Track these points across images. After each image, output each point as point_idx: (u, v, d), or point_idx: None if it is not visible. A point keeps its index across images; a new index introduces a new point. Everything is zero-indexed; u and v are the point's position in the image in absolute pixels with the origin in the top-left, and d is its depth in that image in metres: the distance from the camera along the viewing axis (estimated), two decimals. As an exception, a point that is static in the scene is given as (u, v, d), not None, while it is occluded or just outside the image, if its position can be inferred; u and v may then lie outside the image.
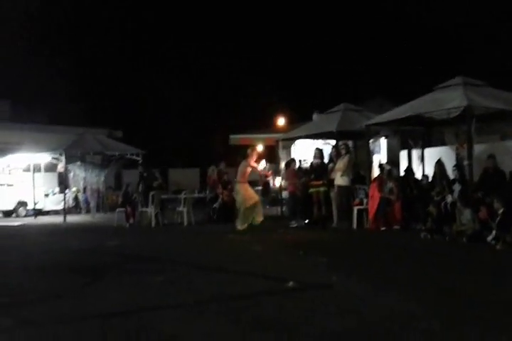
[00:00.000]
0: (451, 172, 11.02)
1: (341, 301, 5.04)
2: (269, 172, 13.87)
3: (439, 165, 11.73)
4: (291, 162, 13.70)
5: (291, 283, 5.71)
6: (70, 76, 29.69)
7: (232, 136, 24.24)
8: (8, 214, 18.78)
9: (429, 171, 12.45)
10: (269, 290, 5.65)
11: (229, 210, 14.07)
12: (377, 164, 12.96)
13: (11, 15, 26.55)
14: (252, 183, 21.87)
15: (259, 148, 26.63)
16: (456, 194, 9.96)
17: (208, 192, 15.30)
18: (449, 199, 9.95)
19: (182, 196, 13.98)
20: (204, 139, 34.15)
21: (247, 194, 11.72)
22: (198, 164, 28.17)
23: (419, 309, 4.66)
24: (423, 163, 13.09)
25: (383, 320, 4.32)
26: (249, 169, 11.82)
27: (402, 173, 12.98)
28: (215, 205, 14.53)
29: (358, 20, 36.39)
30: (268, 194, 20.23)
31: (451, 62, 26.79)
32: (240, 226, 11.55)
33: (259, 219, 11.68)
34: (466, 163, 10.02)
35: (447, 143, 12.52)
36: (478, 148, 10.89)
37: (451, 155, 12.27)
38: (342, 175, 11.88)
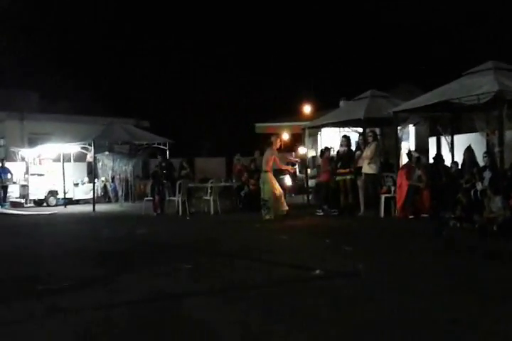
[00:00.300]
0: (481, 160, 10.81)
1: (368, 290, 5.02)
2: (296, 160, 13.79)
3: (469, 152, 11.53)
4: (325, 150, 13.56)
5: (317, 272, 5.71)
6: (98, 66, 29.97)
7: (257, 125, 24.21)
8: (39, 203, 19.17)
9: (459, 158, 12.24)
10: (295, 278, 5.66)
11: (255, 199, 14.10)
12: (406, 151, 12.78)
13: (35, 6, 26.87)
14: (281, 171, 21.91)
15: (284, 136, 26.56)
16: (486, 181, 9.77)
17: (233, 180, 15.39)
18: (479, 186, 9.77)
19: (208, 185, 14.04)
20: (230, 128, 34.18)
21: (274, 183, 11.65)
22: (224, 153, 28.25)
23: (447, 298, 4.60)
24: (452, 150, 12.86)
25: (410, 309, 4.29)
26: (273, 157, 11.71)
27: (431, 160, 12.80)
28: (241, 193, 14.58)
29: (385, 7, 35.78)
30: (295, 181, 20.15)
31: (481, 47, 26.16)
32: (268, 215, 11.51)
33: (285, 208, 11.65)
34: (497, 149, 9.81)
35: (477, 129, 12.26)
36: (509, 135, 10.65)
37: (481, 141, 12.03)
38: (369, 163, 11.76)
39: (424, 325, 3.89)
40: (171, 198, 14.08)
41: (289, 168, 13.85)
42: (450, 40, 30.51)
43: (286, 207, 11.72)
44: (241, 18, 37.60)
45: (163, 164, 14.96)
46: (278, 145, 12.05)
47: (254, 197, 14.09)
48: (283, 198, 11.88)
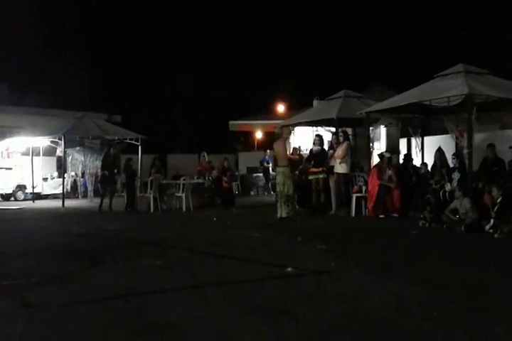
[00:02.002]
0: (450, 161, 11.03)
1: (339, 287, 5.08)
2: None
3: (440, 153, 11.73)
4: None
5: (289, 269, 5.75)
6: (70, 60, 29.45)
7: (231, 122, 24.16)
8: (6, 197, 18.78)
9: (428, 160, 12.46)
10: (267, 275, 5.68)
11: (229, 196, 14.28)
12: (377, 152, 12.93)
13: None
14: (254, 170, 21.84)
15: (258, 134, 26.60)
16: (455, 183, 9.98)
17: (196, 177, 15.39)
18: (448, 187, 9.98)
19: (181, 181, 13.99)
20: (204, 125, 34.07)
21: (292, 178, 11.16)
22: (197, 150, 28.15)
23: (417, 295, 4.70)
24: (422, 151, 13.09)
25: (380, 306, 4.36)
26: (286, 151, 11.27)
27: (401, 161, 13.00)
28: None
29: (359, 8, 36.09)
30: (269, 180, 20.30)
31: (452, 50, 26.66)
32: (291, 212, 10.95)
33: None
34: (465, 151, 10.02)
35: (448, 131, 12.50)
36: (478, 137, 10.88)
37: (451, 143, 12.26)
38: (341, 163, 11.89)
39: (395, 321, 3.95)
40: (143, 194, 13.98)
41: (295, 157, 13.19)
42: (422, 42, 30.99)
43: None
44: (216, 15, 37.50)
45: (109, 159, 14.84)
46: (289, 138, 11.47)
47: (227, 194, 14.22)
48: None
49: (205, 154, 16.74)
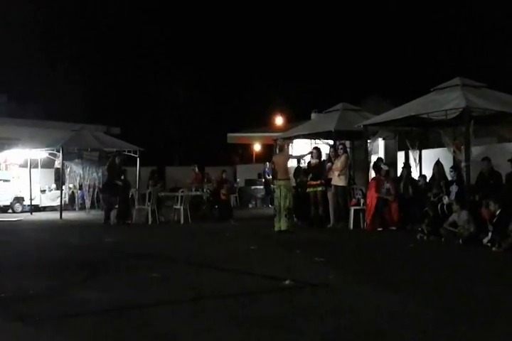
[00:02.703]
0: (448, 174, 11.06)
1: (337, 300, 5.07)
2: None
3: (438, 166, 11.77)
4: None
5: (288, 282, 5.73)
6: (68, 71, 29.60)
7: (229, 135, 24.24)
8: (4, 209, 18.73)
9: (426, 173, 12.49)
10: (266, 288, 5.67)
11: (226, 209, 14.27)
12: (373, 165, 12.93)
13: (9, 8, 26.48)
14: (252, 182, 21.79)
15: (256, 146, 26.68)
16: (452, 195, 10.00)
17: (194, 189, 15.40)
18: (446, 200, 9.99)
19: (179, 194, 13.99)
20: (202, 137, 34.14)
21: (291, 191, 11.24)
22: (195, 162, 28.19)
23: (415, 308, 4.69)
24: (420, 164, 13.12)
25: (379, 319, 4.34)
26: (288, 162, 11.31)
27: (399, 173, 13.02)
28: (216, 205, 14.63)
29: (356, 19, 36.42)
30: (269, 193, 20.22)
31: (450, 63, 26.85)
32: (290, 225, 10.98)
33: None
34: (463, 164, 10.06)
35: (444, 144, 12.56)
36: (475, 151, 10.92)
37: (449, 156, 12.30)
38: (339, 175, 11.91)
39: (393, 334, 3.94)
40: (140, 207, 13.96)
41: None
42: (419, 55, 31.24)
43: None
44: (213, 28, 37.80)
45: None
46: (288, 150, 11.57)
47: (225, 206, 14.22)
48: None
49: (196, 167, 16.76)
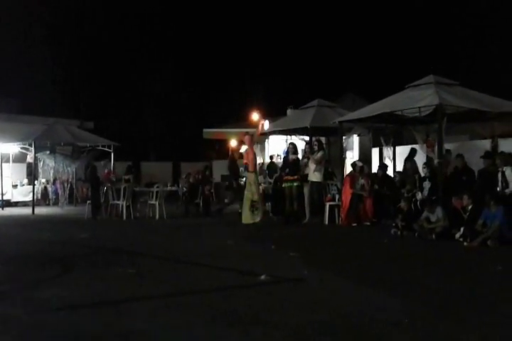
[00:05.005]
0: (421, 170, 11.21)
1: (313, 294, 5.11)
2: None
3: (411, 162, 11.92)
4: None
5: (263, 277, 5.75)
6: (41, 64, 29.06)
7: (205, 130, 24.17)
8: (-26, 205, 18.36)
9: (400, 169, 12.65)
10: (241, 283, 5.68)
11: (207, 205, 14.32)
12: (350, 162, 13.07)
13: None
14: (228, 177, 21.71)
15: (232, 142, 26.62)
16: (425, 191, 10.15)
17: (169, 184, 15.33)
18: (419, 196, 10.14)
19: (154, 189, 13.90)
20: (178, 133, 33.93)
21: (257, 185, 11.17)
22: (170, 158, 28.07)
23: (389, 302, 4.76)
24: (394, 160, 13.28)
25: (353, 313, 4.40)
26: (252, 155, 11.24)
27: (373, 170, 13.15)
28: (197, 201, 14.56)
29: (332, 16, 36.55)
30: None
31: (423, 61, 27.16)
32: (258, 218, 10.89)
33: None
34: (436, 161, 10.21)
35: (417, 141, 12.73)
36: (447, 148, 11.11)
37: (422, 153, 12.47)
38: (315, 171, 11.97)
39: (366, 328, 3.99)
40: (115, 202, 13.83)
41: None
42: (394, 53, 31.51)
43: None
44: (190, 22, 37.54)
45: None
46: (254, 143, 11.46)
47: (208, 202, 14.19)
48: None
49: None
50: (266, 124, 11.24)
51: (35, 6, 30.00)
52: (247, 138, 11.65)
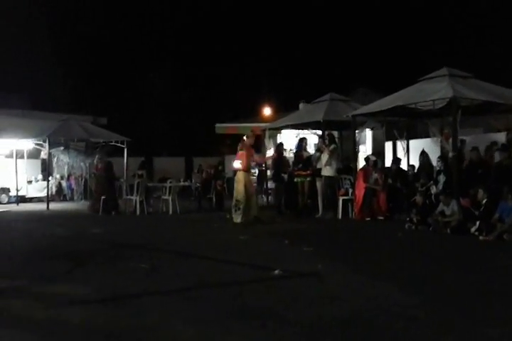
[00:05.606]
0: (435, 164, 11.11)
1: (326, 289, 5.08)
2: (263, 159, 13.64)
3: (424, 156, 11.81)
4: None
5: (277, 272, 5.74)
6: (55, 61, 29.19)
7: (218, 125, 24.11)
8: (-11, 200, 18.54)
9: (414, 163, 12.55)
10: (255, 278, 5.67)
11: (221, 199, 14.33)
12: (364, 156, 12.99)
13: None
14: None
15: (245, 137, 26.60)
16: (440, 185, 10.06)
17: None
18: (434, 190, 10.05)
19: (167, 184, 13.94)
20: (190, 128, 33.95)
21: (247, 182, 10.98)
22: (183, 153, 28.12)
23: (403, 297, 4.72)
24: (408, 154, 13.18)
25: (368, 307, 4.36)
26: (245, 154, 10.98)
27: (387, 164, 13.06)
28: (210, 196, 14.60)
29: (344, 10, 36.27)
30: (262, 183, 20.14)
31: (437, 53, 26.87)
32: (239, 218, 10.78)
33: (254, 213, 10.98)
34: (451, 154, 10.10)
35: (431, 135, 12.62)
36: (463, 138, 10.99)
37: (436, 146, 12.36)
38: (327, 165, 11.92)
39: (381, 322, 3.96)
40: (128, 197, 13.89)
41: (263, 158, 13.36)
42: (407, 46, 31.22)
43: (256, 212, 11.02)
44: (200, 17, 37.48)
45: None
46: (251, 142, 11.19)
47: (220, 197, 14.40)
48: (254, 201, 11.16)
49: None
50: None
51: (44, 4, 30.14)
52: (250, 134, 11.51)
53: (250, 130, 11.63)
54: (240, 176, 10.95)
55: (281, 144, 13.59)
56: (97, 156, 15.62)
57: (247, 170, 11.07)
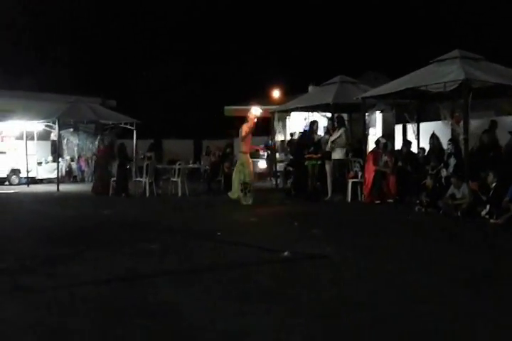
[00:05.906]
0: (446, 147, 11.02)
1: (336, 271, 5.09)
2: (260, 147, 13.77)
3: (434, 138, 11.72)
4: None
5: (286, 253, 5.75)
6: (63, 42, 29.15)
7: (226, 108, 24.04)
8: (1, 182, 18.69)
9: (424, 146, 12.46)
10: (264, 260, 5.69)
11: (229, 182, 14.39)
12: (374, 139, 12.91)
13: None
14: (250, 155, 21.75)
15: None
16: (451, 168, 9.99)
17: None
18: (444, 173, 10.00)
19: (176, 166, 13.96)
20: (199, 110, 33.87)
21: (250, 167, 11.12)
22: (192, 135, 28.12)
23: (414, 279, 4.72)
24: (418, 137, 13.08)
25: (378, 289, 4.37)
26: (248, 136, 11.01)
27: (397, 147, 12.98)
28: (219, 178, 14.66)
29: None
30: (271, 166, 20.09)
31: (448, 35, 26.52)
32: (249, 200, 10.89)
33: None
34: (461, 137, 10.01)
35: (442, 118, 12.50)
36: (473, 124, 10.87)
37: (447, 129, 12.26)
38: (336, 148, 11.87)
39: (392, 305, 3.97)
40: (138, 179, 13.94)
41: (259, 147, 13.59)
42: (418, 29, 30.80)
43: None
44: (209, 2, 37.10)
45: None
46: (252, 124, 11.07)
47: (229, 179, 14.32)
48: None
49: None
50: (255, 110, 10.85)
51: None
52: (251, 116, 11.19)
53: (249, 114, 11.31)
54: (245, 159, 11.05)
55: (314, 122, 12.90)
56: (98, 137, 15.66)
57: (247, 152, 11.20)
